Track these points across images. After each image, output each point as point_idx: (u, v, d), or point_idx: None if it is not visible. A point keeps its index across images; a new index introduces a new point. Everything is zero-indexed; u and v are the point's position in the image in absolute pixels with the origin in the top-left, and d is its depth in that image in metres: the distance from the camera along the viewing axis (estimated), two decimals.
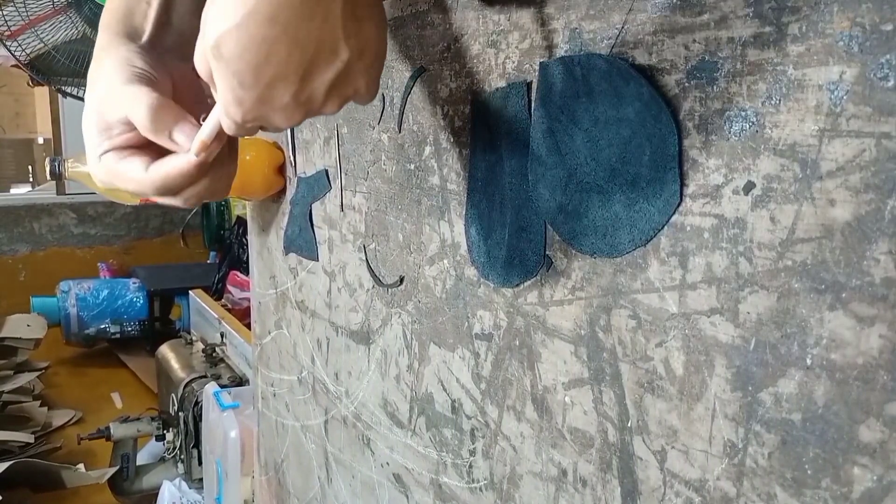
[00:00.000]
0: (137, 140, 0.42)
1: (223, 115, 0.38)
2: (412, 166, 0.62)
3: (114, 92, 0.41)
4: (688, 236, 0.37)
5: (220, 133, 0.40)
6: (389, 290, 0.67)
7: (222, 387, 1.62)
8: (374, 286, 0.70)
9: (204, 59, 0.36)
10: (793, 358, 0.33)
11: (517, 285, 0.50)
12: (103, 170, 0.42)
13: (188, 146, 0.40)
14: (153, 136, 0.40)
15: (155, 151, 0.42)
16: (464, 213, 0.55)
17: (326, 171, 0.78)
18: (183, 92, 0.45)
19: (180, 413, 1.96)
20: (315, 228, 0.82)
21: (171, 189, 0.42)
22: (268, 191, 0.92)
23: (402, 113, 0.62)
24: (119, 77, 0.41)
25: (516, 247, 0.50)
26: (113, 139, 0.42)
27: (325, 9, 0.34)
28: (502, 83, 0.50)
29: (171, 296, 3.38)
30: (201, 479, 1.86)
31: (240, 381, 1.91)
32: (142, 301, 3.35)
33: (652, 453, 0.40)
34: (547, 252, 0.47)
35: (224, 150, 0.42)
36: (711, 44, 0.35)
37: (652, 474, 0.41)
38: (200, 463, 1.88)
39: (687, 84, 0.37)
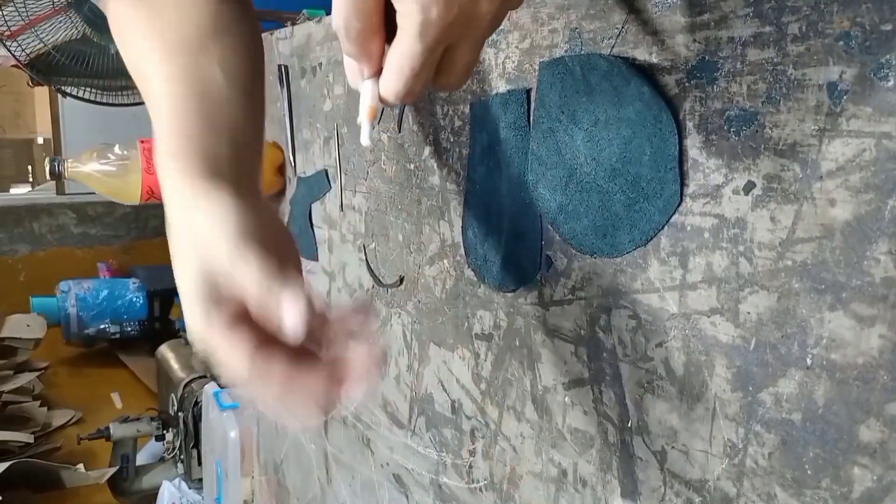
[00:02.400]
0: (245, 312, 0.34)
1: (416, 31, 0.30)
2: (412, 166, 0.62)
3: (227, 255, 0.34)
4: (688, 236, 0.37)
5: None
6: (389, 290, 0.67)
7: (222, 387, 1.62)
8: (374, 286, 0.70)
9: None
10: (793, 358, 0.33)
11: (513, 290, 0.50)
12: (212, 338, 0.34)
13: (293, 330, 0.33)
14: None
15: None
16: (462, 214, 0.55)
17: (326, 171, 0.78)
18: None
19: (180, 413, 1.96)
20: (315, 228, 0.82)
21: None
22: (267, 191, 0.92)
23: (401, 113, 0.62)
24: (231, 235, 0.35)
25: (512, 252, 0.50)
26: (226, 310, 0.34)
27: None
28: (502, 83, 0.50)
29: (171, 296, 3.38)
30: (201, 479, 1.86)
31: None
32: (142, 301, 3.35)
33: (652, 453, 0.40)
34: (547, 252, 0.47)
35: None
36: (712, 44, 0.35)
37: (652, 474, 0.41)
38: (200, 463, 1.88)
39: (687, 84, 0.37)
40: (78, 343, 3.30)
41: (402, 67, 0.31)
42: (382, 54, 0.32)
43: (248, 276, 0.33)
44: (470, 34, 0.32)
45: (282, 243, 0.37)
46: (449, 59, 0.32)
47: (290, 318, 0.33)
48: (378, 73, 0.33)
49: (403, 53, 0.31)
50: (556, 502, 0.48)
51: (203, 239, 0.35)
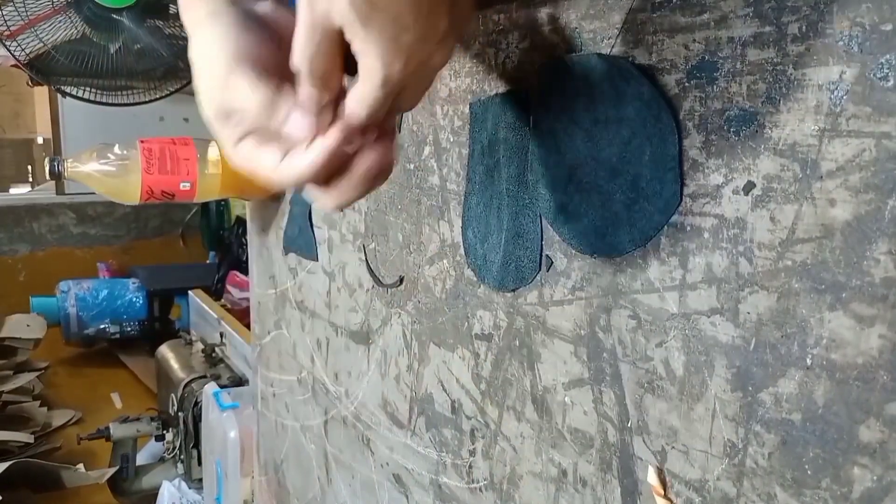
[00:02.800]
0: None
1: (378, 83, 0.32)
2: (412, 166, 0.62)
3: (219, 79, 0.35)
4: (688, 236, 0.37)
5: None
6: (389, 290, 0.67)
7: (222, 387, 1.62)
8: (373, 286, 0.70)
9: (328, 24, 0.31)
10: (793, 358, 0.33)
11: (513, 290, 0.50)
12: (240, 159, 0.37)
13: (303, 135, 0.35)
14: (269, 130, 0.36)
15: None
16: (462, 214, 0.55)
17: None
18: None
19: (180, 413, 1.96)
20: (315, 228, 0.82)
21: (307, 182, 0.37)
22: (267, 191, 0.92)
23: (401, 113, 0.62)
24: (222, 61, 0.35)
25: (512, 252, 0.50)
26: (241, 125, 0.36)
27: None
28: (502, 83, 0.50)
29: (170, 296, 3.38)
30: (201, 480, 1.86)
31: (239, 381, 1.91)
32: (141, 301, 3.35)
33: (652, 453, 0.40)
34: (547, 252, 0.47)
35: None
36: (711, 43, 0.35)
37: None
38: (200, 463, 1.88)
39: (687, 84, 0.37)
40: (78, 343, 3.31)
41: (362, 109, 0.34)
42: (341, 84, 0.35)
43: (246, 101, 0.35)
44: (425, 77, 0.36)
45: (270, 47, 0.36)
46: (403, 94, 0.35)
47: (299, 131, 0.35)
48: (337, 100, 0.35)
49: (364, 98, 0.34)
50: (556, 502, 0.48)
51: (206, 72, 0.36)
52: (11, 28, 1.90)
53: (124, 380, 3.15)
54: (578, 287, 0.45)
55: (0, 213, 3.74)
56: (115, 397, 2.97)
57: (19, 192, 4.38)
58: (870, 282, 0.29)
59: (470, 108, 0.53)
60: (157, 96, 2.08)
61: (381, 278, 0.68)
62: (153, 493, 2.06)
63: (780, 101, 0.33)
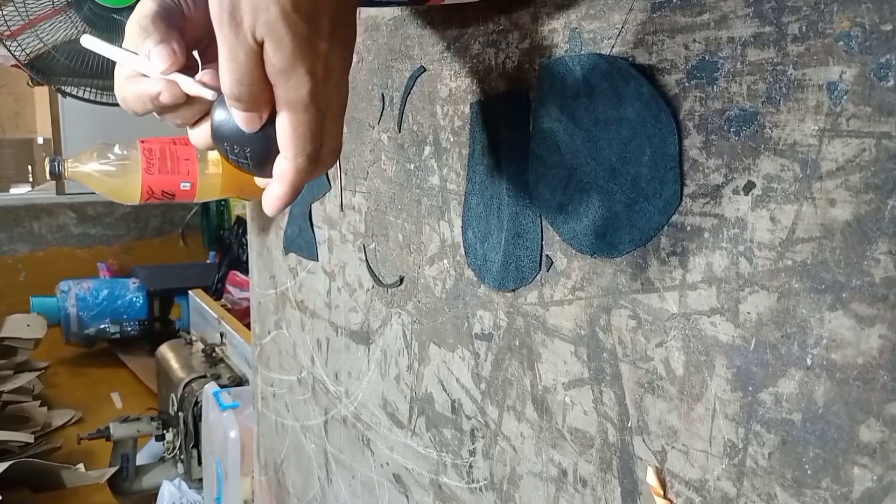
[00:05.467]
0: None
1: (305, 102, 0.34)
2: (412, 166, 0.62)
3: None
4: (688, 236, 0.37)
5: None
6: (389, 290, 0.67)
7: (222, 387, 1.63)
8: (373, 286, 0.70)
9: (251, 42, 0.32)
10: (793, 358, 0.33)
11: (513, 290, 0.50)
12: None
13: (160, 67, 0.38)
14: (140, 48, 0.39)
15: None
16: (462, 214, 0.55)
17: (326, 171, 0.78)
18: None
19: (180, 413, 1.96)
20: (315, 228, 0.82)
21: (135, 109, 0.40)
22: None
23: (401, 113, 0.62)
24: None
25: (512, 252, 0.50)
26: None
27: None
28: (502, 83, 0.50)
29: (170, 296, 3.39)
30: (201, 479, 1.86)
31: (239, 381, 1.91)
32: (141, 301, 3.35)
33: (652, 453, 0.40)
34: (547, 252, 0.47)
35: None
36: (711, 44, 0.35)
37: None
38: (200, 463, 1.89)
39: (687, 84, 0.37)
40: (78, 343, 3.31)
41: (303, 109, 0.34)
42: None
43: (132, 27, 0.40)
44: (342, 87, 0.36)
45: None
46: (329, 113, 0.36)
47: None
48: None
49: (297, 129, 0.34)
50: (556, 502, 0.48)
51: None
52: (12, 28, 1.90)
53: (124, 380, 3.16)
54: (578, 287, 0.45)
55: (0, 213, 3.74)
56: (115, 397, 2.97)
57: (19, 192, 4.38)
58: (870, 282, 0.29)
59: (470, 108, 0.53)
60: None
61: (381, 278, 0.68)
62: (153, 493, 2.06)
63: (780, 101, 0.33)
